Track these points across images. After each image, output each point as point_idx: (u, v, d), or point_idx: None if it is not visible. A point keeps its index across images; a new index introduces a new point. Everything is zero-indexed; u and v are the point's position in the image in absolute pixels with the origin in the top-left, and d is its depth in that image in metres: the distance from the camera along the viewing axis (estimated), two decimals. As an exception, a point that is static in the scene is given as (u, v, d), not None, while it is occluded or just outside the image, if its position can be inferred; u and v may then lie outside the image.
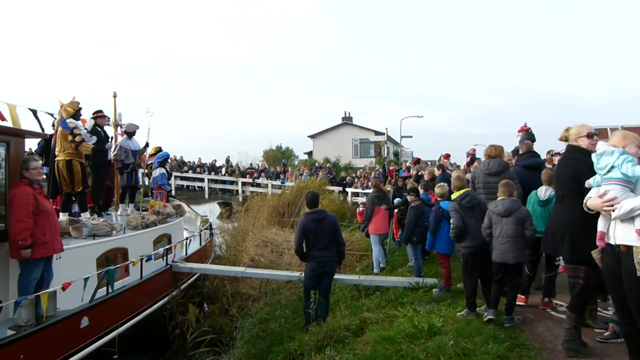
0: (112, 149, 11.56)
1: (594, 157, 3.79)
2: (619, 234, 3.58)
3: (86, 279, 6.33)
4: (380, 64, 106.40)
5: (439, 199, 8.01)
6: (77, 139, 8.79)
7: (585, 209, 3.86)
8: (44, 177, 10.11)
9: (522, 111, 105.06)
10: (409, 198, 9.39)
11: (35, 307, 5.59)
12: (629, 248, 3.49)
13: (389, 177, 21.93)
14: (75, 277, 6.34)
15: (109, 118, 11.53)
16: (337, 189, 26.27)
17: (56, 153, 9.00)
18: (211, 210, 21.00)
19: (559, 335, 5.04)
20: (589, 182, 3.95)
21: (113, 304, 6.89)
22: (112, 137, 11.53)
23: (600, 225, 3.79)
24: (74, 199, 9.19)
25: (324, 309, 7.52)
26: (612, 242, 3.66)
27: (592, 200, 3.79)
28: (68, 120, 8.88)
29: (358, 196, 25.12)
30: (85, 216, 8.78)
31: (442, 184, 8.28)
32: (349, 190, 26.53)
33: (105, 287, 6.91)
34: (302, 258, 7.88)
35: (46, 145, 9.94)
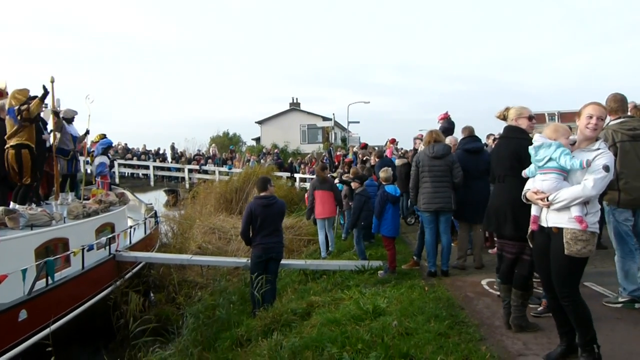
0: (52, 136, 11.12)
1: (531, 149, 3.98)
2: (552, 218, 3.82)
3: (24, 271, 6.12)
4: (327, 49, 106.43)
5: (383, 183, 8.16)
6: (25, 113, 8.40)
7: (524, 200, 4.07)
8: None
9: (467, 97, 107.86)
10: (353, 185, 9.51)
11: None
12: (560, 230, 3.73)
13: (336, 162, 22.15)
14: (12, 270, 6.11)
15: (46, 104, 11.06)
16: (285, 174, 26.30)
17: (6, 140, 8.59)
18: (156, 198, 20.55)
19: (497, 311, 5.30)
20: (525, 172, 4.16)
21: (53, 295, 6.71)
22: (49, 125, 11.08)
23: (534, 210, 4.02)
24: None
25: (270, 294, 7.56)
26: (544, 224, 3.90)
27: (529, 192, 4.00)
28: (16, 107, 8.50)
29: (306, 182, 25.21)
30: (23, 207, 8.44)
31: (386, 168, 8.42)
32: (297, 175, 26.60)
33: (44, 279, 6.71)
34: (247, 242, 7.89)
35: None
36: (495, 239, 5.36)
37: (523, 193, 4.10)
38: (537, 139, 3.98)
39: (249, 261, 8.16)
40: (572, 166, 3.68)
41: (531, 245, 4.16)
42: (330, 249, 10.78)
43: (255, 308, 7.35)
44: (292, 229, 14.59)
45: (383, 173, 8.25)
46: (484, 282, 6.78)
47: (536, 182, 3.95)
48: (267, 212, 7.62)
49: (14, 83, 9.10)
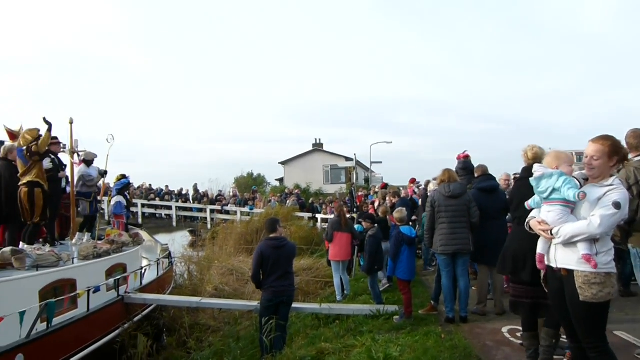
0: (69, 176, 11.20)
1: (532, 181, 3.70)
2: (560, 257, 3.49)
3: (22, 313, 5.93)
4: (350, 90, 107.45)
5: (398, 224, 7.89)
6: (33, 147, 8.39)
7: (527, 229, 3.76)
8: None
9: (492, 136, 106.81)
10: (364, 224, 9.26)
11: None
12: (570, 272, 3.40)
13: (357, 203, 21.87)
14: (14, 311, 5.93)
15: (64, 145, 11.17)
16: (306, 215, 26.10)
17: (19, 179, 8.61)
18: (173, 239, 20.43)
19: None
20: (528, 204, 3.85)
21: (53, 338, 6.49)
22: (68, 166, 11.17)
23: (540, 247, 3.69)
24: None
25: (280, 339, 7.25)
26: (553, 265, 3.56)
27: (533, 221, 3.70)
28: (24, 148, 8.52)
29: (327, 222, 24.93)
30: (31, 247, 8.35)
31: (400, 208, 8.17)
32: (319, 216, 26.36)
33: (46, 322, 6.52)
34: (257, 285, 7.63)
35: None
36: (511, 284, 4.98)
37: (526, 221, 3.78)
38: (537, 169, 3.68)
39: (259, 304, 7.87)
40: (575, 199, 3.35)
41: (546, 290, 3.79)
42: (345, 292, 10.43)
43: (264, 354, 7.05)
44: (310, 271, 14.24)
45: (397, 214, 7.98)
46: (504, 329, 6.34)
47: (542, 212, 3.63)
48: (278, 255, 7.38)
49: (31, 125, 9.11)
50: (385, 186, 18.76)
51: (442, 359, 5.30)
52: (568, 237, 3.35)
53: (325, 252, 14.50)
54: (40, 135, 8.62)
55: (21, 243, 8.38)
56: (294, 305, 8.23)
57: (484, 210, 6.94)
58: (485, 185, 7.34)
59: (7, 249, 7.56)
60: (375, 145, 37.11)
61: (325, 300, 10.58)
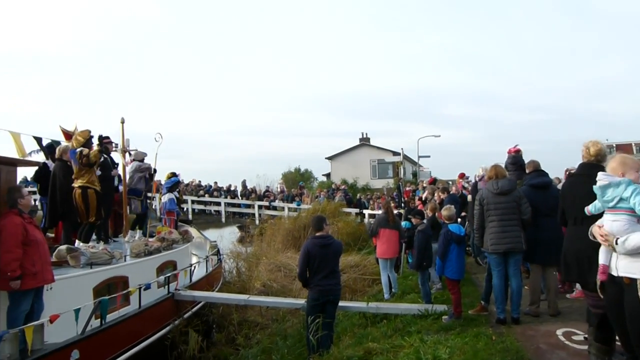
0: (121, 175, 11.56)
1: (597, 189, 3.49)
2: (622, 265, 3.29)
3: (77, 310, 6.12)
4: (397, 82, 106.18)
5: (446, 221, 7.71)
6: (86, 153, 8.69)
7: (591, 237, 3.55)
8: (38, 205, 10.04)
9: (546, 128, 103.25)
10: (413, 221, 9.09)
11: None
12: (633, 280, 3.19)
13: (405, 198, 21.60)
14: (69, 308, 6.14)
15: (116, 144, 11.53)
16: (354, 210, 25.95)
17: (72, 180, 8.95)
18: (222, 235, 20.66)
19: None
20: (588, 209, 3.64)
21: (107, 335, 6.67)
22: (120, 165, 11.53)
23: (602, 258, 3.49)
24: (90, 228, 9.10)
25: (327, 338, 7.21)
26: (614, 273, 3.35)
27: (594, 229, 3.49)
28: (78, 150, 8.81)
29: (374, 218, 24.74)
30: (86, 245, 8.63)
31: (449, 206, 7.97)
32: (366, 212, 26.18)
33: (99, 318, 6.72)
34: (304, 284, 7.62)
35: (43, 172, 9.79)
36: (583, 290, 4.69)
37: (590, 229, 3.57)
38: (601, 177, 3.44)
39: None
40: (634, 205, 3.14)
41: (602, 297, 3.57)
42: (393, 290, 10.30)
43: (311, 353, 7.04)
44: (357, 268, 14.13)
45: (446, 211, 7.80)
46: (559, 332, 6.07)
47: (605, 221, 3.42)
48: (324, 253, 7.34)
49: (85, 125, 9.46)
50: (433, 181, 18.45)
51: (492, 361, 5.12)
52: (635, 247, 3.16)
53: (373, 248, 14.40)
54: (92, 137, 8.88)
55: (77, 241, 8.66)
56: (341, 303, 8.18)
57: (536, 207, 6.66)
58: (538, 182, 7.06)
59: (63, 247, 7.85)
60: (422, 139, 36.61)
61: (372, 299, 10.48)
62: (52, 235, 9.84)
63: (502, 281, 6.76)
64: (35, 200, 10.72)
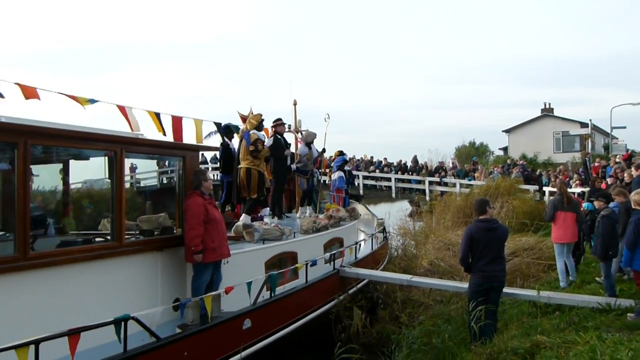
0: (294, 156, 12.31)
1: None
2: None
3: (249, 283, 6.72)
4: (587, 43, 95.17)
5: (637, 207, 6.86)
6: (260, 148, 9.44)
7: None
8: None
9: None
10: (596, 204, 8.20)
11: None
12: None
13: (594, 175, 19.51)
14: (244, 280, 6.77)
15: (288, 125, 12.28)
16: (532, 188, 24.22)
17: (240, 161, 9.79)
18: (389, 212, 20.68)
19: None
20: None
21: (276, 307, 7.23)
22: (291, 144, 12.25)
23: None
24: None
25: (490, 327, 6.94)
26: None
27: None
28: (251, 132, 9.57)
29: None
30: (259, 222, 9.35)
31: None
32: (546, 189, 24.27)
33: (269, 291, 7.30)
34: (466, 269, 7.43)
35: (226, 153, 10.68)
36: None
37: None
38: None
39: (470, 287, 7.65)
40: None
41: None
42: (571, 278, 9.48)
43: (473, 341, 6.86)
44: (531, 251, 13.25)
45: (637, 195, 6.93)
46: None
47: None
48: (489, 238, 7.05)
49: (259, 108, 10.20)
50: (629, 156, 16.37)
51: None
52: None
53: (550, 230, 13.37)
54: (263, 120, 9.61)
55: (242, 215, 9.42)
56: (509, 290, 7.87)
57: None
58: None
59: (240, 223, 8.63)
60: (617, 108, 32.49)
61: (546, 286, 9.77)
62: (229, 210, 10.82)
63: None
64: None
